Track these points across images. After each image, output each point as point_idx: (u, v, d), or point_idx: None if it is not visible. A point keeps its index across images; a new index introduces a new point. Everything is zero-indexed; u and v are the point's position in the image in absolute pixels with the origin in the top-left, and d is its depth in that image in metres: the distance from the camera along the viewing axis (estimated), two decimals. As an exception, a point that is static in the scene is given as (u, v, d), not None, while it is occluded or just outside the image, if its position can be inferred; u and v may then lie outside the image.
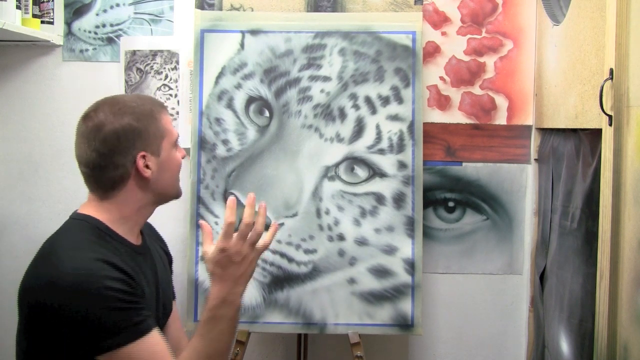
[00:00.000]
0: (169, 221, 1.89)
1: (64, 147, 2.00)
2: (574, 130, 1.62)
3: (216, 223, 1.78)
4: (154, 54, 1.98)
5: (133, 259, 1.34)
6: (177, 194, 1.43)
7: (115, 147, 1.30)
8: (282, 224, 1.76)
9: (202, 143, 1.80)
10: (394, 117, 1.80)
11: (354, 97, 1.80)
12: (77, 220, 1.33)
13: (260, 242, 1.32)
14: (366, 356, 1.74)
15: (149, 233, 1.52)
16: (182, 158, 1.43)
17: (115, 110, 1.32)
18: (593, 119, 1.45)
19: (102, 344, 1.19)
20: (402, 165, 1.79)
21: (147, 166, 1.32)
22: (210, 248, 1.30)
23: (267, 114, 1.81)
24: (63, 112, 1.99)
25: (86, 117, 1.33)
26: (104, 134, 1.30)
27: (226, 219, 1.29)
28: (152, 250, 1.47)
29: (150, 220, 1.44)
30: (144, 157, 1.31)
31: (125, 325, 1.20)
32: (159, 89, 1.98)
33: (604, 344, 1.30)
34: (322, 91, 1.80)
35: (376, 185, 1.79)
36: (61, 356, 1.21)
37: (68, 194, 2.01)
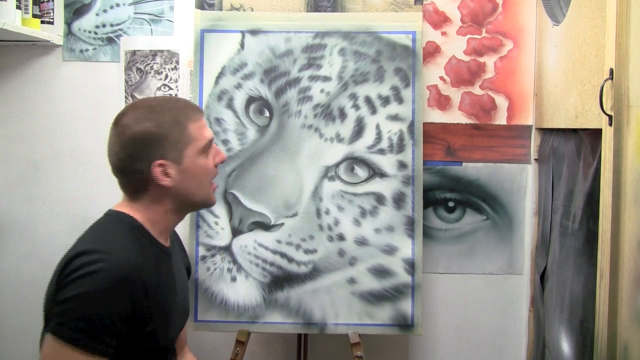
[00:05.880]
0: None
1: (64, 147, 1.99)
2: (575, 130, 1.62)
3: (216, 223, 1.78)
4: (154, 54, 1.98)
5: (159, 259, 1.35)
6: (205, 202, 1.42)
7: (134, 153, 1.30)
8: (282, 224, 1.76)
9: (202, 143, 1.80)
10: (394, 117, 1.80)
11: (354, 97, 1.79)
12: (111, 217, 1.34)
13: None
14: (366, 356, 1.74)
15: (175, 240, 1.52)
16: (220, 162, 1.43)
17: (138, 115, 1.31)
18: (593, 119, 1.45)
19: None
20: (402, 165, 1.79)
21: (166, 174, 1.31)
22: None
23: (267, 114, 1.80)
24: (63, 112, 1.99)
25: (115, 119, 1.34)
26: (123, 139, 1.30)
27: None
28: (176, 256, 1.48)
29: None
30: (161, 165, 1.30)
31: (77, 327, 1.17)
32: (159, 89, 1.98)
33: (604, 344, 1.30)
34: (322, 91, 1.80)
35: (376, 185, 1.79)
36: None
37: (68, 194, 2.01)
